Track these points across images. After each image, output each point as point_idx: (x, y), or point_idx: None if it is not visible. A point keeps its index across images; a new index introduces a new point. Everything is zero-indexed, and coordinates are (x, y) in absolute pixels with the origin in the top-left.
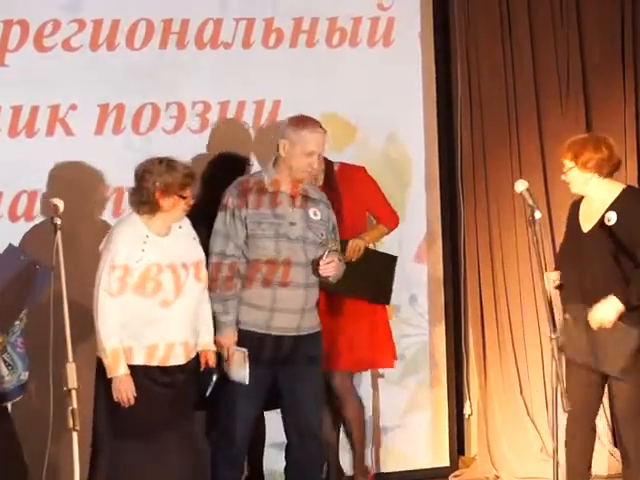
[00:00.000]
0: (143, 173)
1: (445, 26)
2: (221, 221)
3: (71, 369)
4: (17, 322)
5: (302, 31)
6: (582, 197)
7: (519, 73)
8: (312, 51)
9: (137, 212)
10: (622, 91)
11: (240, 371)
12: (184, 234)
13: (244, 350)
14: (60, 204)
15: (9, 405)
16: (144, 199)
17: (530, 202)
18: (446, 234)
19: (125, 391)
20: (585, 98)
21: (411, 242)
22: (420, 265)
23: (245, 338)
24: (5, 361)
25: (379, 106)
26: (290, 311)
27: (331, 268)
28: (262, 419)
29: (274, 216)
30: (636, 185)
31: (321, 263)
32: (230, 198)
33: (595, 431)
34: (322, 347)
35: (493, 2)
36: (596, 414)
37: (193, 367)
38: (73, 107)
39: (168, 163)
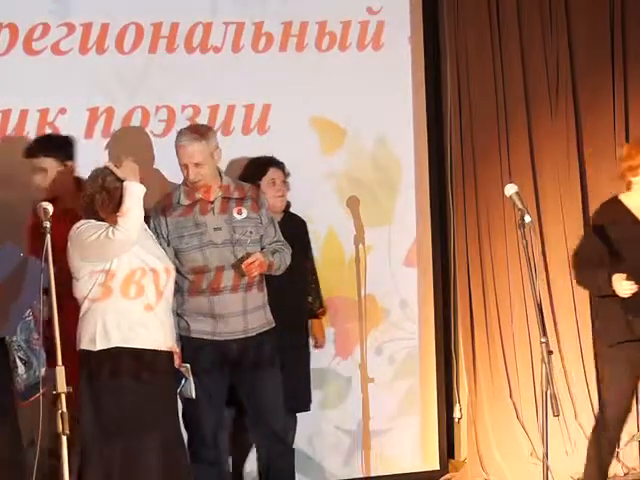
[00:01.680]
0: (88, 179)
1: (435, 30)
2: None
3: (60, 373)
4: (29, 318)
5: (291, 35)
6: (616, 196)
7: (509, 77)
8: (302, 55)
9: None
10: (611, 95)
11: (186, 386)
12: (148, 235)
13: (187, 365)
14: (49, 207)
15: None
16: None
17: (520, 206)
18: (436, 238)
19: None
20: (574, 102)
21: (401, 246)
22: (410, 269)
23: (196, 345)
24: (21, 359)
25: (368, 110)
26: (231, 315)
27: (255, 267)
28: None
29: (195, 226)
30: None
31: (243, 265)
32: (151, 220)
33: None
34: (275, 344)
35: (483, 5)
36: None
37: (173, 365)
38: (62, 111)
39: (104, 183)
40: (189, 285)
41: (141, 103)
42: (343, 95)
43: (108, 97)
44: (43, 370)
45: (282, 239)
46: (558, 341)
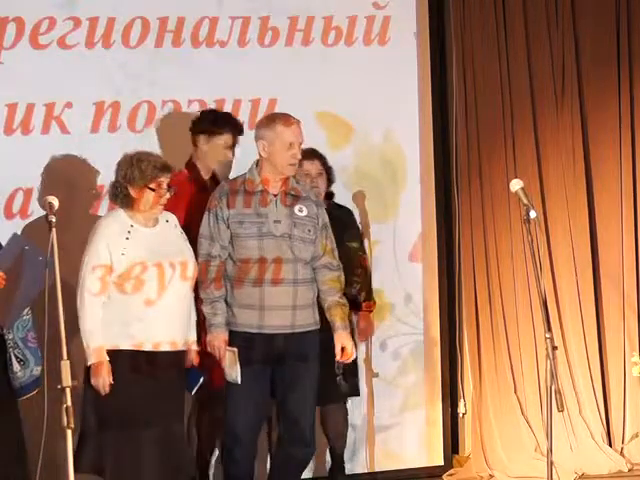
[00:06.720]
0: (116, 167)
1: (441, 25)
2: (206, 223)
3: (65, 367)
4: (27, 316)
5: (298, 30)
6: None
7: (514, 72)
8: (308, 50)
9: (118, 206)
10: (617, 92)
11: (232, 371)
12: (171, 227)
13: (234, 349)
14: (55, 202)
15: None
16: (117, 192)
17: (525, 201)
18: (441, 233)
19: (102, 378)
20: (580, 97)
21: (406, 241)
22: (415, 264)
23: (239, 339)
24: (17, 357)
25: (374, 105)
26: (280, 308)
27: (349, 354)
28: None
29: (257, 215)
30: (631, 185)
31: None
32: (214, 200)
33: None
34: (318, 345)
35: (489, 1)
36: None
37: (182, 363)
38: (68, 105)
39: (138, 156)
40: (240, 274)
41: (147, 97)
42: (349, 90)
43: (114, 91)
44: (39, 369)
45: (333, 246)
46: (563, 337)
